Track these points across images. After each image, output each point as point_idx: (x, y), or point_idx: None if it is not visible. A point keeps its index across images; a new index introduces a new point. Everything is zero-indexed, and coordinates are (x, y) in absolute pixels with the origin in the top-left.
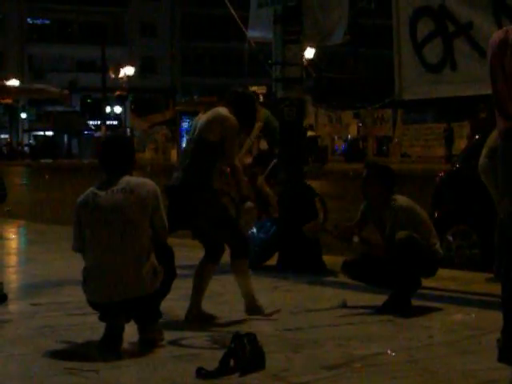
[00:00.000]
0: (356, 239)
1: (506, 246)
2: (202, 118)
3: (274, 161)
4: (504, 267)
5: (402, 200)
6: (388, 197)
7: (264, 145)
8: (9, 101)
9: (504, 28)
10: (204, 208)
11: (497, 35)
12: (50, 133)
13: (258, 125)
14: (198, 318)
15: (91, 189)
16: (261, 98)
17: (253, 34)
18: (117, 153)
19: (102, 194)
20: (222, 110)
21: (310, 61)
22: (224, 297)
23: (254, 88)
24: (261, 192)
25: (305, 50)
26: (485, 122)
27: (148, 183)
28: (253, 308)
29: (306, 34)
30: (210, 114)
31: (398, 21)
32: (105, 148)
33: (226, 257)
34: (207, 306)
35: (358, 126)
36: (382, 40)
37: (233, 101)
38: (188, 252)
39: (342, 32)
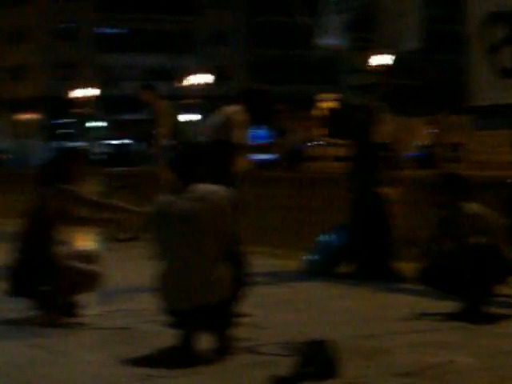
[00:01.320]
0: (430, 258)
1: None
2: (214, 119)
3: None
4: None
5: (473, 207)
6: (459, 204)
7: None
8: (81, 110)
9: None
10: None
11: None
12: (126, 141)
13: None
14: None
15: (164, 197)
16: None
17: (323, 41)
18: (190, 161)
19: (174, 201)
20: (231, 108)
21: (381, 68)
22: (297, 304)
23: (323, 95)
24: None
25: (376, 56)
26: None
27: (220, 191)
28: None
29: (377, 40)
30: (220, 114)
31: (470, 26)
32: (178, 156)
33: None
34: (279, 313)
35: (431, 133)
36: (455, 46)
37: (243, 97)
38: (258, 259)
39: (414, 38)
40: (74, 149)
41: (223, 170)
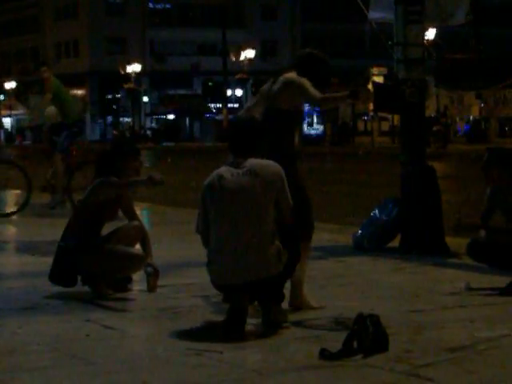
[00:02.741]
0: (482, 233)
1: None
2: (274, 88)
3: (65, 132)
4: None
5: None
6: (510, 179)
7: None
8: (131, 85)
9: None
10: (293, 178)
11: None
12: (171, 116)
13: (48, 96)
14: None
15: (217, 171)
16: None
17: (374, 14)
18: (245, 135)
19: (227, 176)
20: (288, 75)
21: (431, 41)
22: (346, 279)
23: (374, 69)
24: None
25: (426, 30)
26: None
27: (272, 165)
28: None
29: (428, 14)
30: (279, 83)
31: None
32: (233, 130)
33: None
34: (328, 288)
35: (480, 107)
36: (505, 19)
37: (297, 63)
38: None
39: (463, 12)
40: (127, 143)
41: (287, 144)
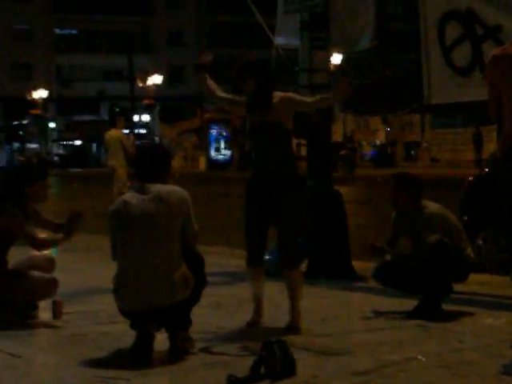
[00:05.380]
0: (388, 257)
1: None
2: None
3: None
4: None
5: (433, 206)
6: (418, 204)
7: None
8: (37, 111)
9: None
10: (297, 203)
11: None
12: (78, 142)
13: None
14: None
15: (122, 197)
16: None
17: (280, 40)
18: (151, 161)
19: (133, 201)
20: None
21: (337, 66)
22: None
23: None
24: None
25: (332, 56)
26: None
27: (178, 191)
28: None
29: (333, 40)
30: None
31: (425, 25)
32: (140, 156)
33: None
34: (238, 314)
35: (387, 132)
36: (410, 45)
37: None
38: (218, 259)
39: (369, 37)
40: (29, 167)
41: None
